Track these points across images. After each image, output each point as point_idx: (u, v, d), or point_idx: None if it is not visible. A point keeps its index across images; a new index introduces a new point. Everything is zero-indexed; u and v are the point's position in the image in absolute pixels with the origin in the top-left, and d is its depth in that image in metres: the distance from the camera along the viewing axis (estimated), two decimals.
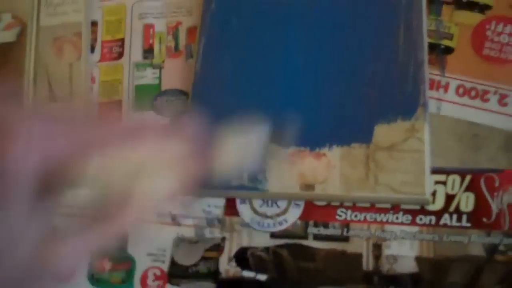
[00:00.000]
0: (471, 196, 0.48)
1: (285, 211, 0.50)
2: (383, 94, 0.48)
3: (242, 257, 0.49)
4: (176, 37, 0.56)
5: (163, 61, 0.56)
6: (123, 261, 0.50)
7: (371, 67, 0.49)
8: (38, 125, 0.27)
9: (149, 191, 0.30)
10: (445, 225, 0.48)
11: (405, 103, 0.47)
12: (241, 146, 0.36)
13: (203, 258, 0.50)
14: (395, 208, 0.48)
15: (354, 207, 0.49)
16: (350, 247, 0.48)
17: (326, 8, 0.51)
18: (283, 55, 0.50)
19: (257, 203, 0.50)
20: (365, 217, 0.49)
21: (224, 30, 0.52)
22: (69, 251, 0.28)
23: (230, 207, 0.51)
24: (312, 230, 0.49)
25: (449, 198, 0.48)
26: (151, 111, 0.54)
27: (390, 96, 0.47)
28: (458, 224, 0.48)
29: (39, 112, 0.29)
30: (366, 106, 0.47)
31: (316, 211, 0.49)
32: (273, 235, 0.50)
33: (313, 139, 0.47)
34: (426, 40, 0.49)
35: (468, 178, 0.48)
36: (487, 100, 0.51)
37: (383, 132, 0.47)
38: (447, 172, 0.49)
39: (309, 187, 0.47)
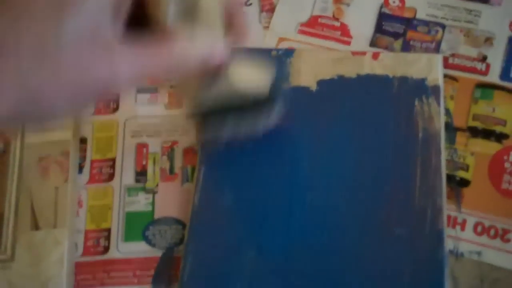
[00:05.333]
0: None
1: None
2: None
3: None
4: (171, 158, 0.52)
5: (156, 185, 0.51)
6: None
7: (386, 212, 0.45)
8: None
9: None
10: None
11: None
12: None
13: None
14: None
15: None
16: None
17: (335, 150, 0.48)
18: (289, 192, 0.46)
19: None
20: None
21: (225, 159, 0.48)
22: None
23: None
24: None
25: None
26: (143, 241, 0.49)
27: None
28: None
29: None
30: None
31: None
32: None
33: None
34: (445, 182, 0.45)
35: None
36: (507, 241, 0.47)
37: None
38: None
39: None
